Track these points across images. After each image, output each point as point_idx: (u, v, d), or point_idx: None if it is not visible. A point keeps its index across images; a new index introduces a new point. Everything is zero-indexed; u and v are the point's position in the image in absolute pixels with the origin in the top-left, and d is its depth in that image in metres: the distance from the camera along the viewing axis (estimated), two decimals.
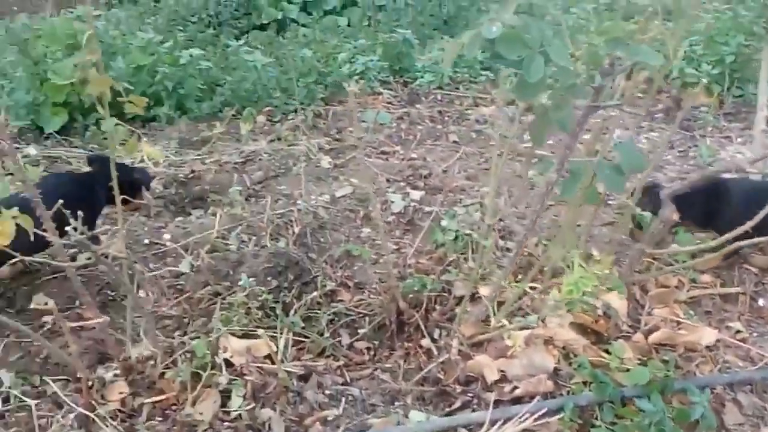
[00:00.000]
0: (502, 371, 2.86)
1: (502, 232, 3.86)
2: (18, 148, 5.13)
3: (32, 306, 3.40)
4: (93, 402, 2.73)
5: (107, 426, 2.65)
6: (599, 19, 2.01)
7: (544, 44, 1.77)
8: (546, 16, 1.79)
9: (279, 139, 5.22)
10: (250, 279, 3.40)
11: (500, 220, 3.95)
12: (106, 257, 2.59)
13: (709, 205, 3.45)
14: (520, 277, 3.42)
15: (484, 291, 3.14)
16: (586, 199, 2.68)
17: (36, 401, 2.79)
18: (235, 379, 2.85)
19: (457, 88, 6.45)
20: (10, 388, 2.90)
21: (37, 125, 5.46)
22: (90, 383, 2.83)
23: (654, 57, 1.75)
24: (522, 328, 2.93)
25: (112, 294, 3.47)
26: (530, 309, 3.09)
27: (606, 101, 2.07)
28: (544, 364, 2.84)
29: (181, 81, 5.66)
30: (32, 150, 5.04)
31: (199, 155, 4.97)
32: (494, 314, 3.04)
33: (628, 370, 2.80)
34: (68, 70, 5.36)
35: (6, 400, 2.85)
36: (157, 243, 3.84)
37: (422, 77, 6.57)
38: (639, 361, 2.88)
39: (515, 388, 2.78)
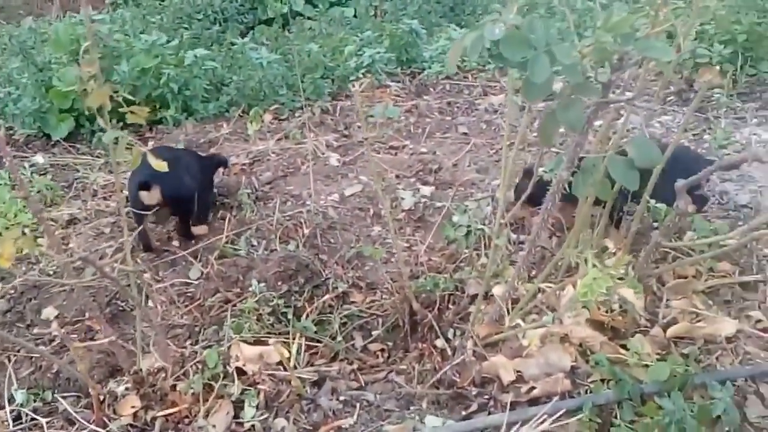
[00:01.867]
0: (518, 371, 2.80)
1: (515, 225, 3.78)
2: (25, 156, 5.12)
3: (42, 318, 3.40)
4: (104, 418, 2.70)
5: None
6: (606, 12, 1.94)
7: (550, 43, 1.70)
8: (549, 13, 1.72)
9: (287, 137, 5.16)
10: (261, 284, 3.37)
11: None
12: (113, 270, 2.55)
13: None
14: (533, 273, 3.37)
15: (497, 290, 3.08)
16: (599, 194, 2.61)
17: (47, 419, 2.77)
18: (247, 389, 2.82)
19: (466, 78, 6.34)
20: (21, 405, 2.88)
21: (44, 132, 5.43)
22: (101, 398, 2.80)
23: (665, 52, 1.69)
24: (537, 327, 2.88)
25: (122, 304, 3.44)
26: (545, 306, 3.03)
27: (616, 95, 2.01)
28: (560, 363, 2.78)
29: (186, 82, 5.61)
30: (39, 158, 5.01)
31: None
32: (508, 313, 2.99)
33: (647, 365, 2.73)
34: (73, 76, 5.33)
35: (17, 418, 2.84)
36: (166, 250, 3.80)
37: (430, 68, 6.48)
38: (658, 356, 2.81)
39: (532, 388, 2.72)
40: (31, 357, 3.17)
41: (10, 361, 3.15)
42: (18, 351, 3.21)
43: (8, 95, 5.51)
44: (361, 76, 6.28)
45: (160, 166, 2.61)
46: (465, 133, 5.15)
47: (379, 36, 6.88)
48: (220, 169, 4.36)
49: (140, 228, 3.56)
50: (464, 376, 2.87)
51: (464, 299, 3.29)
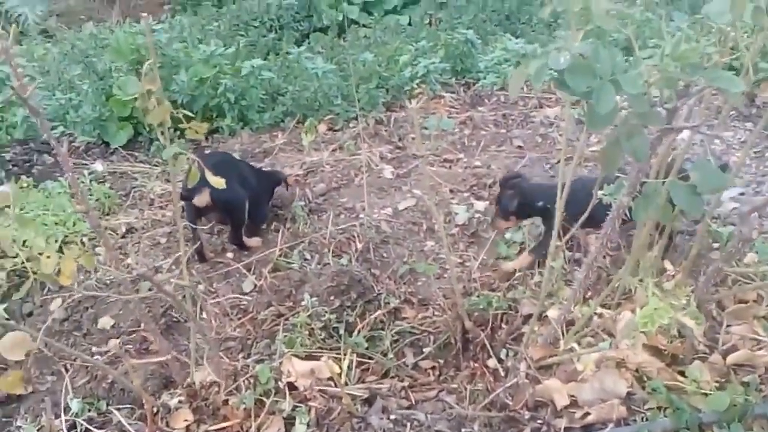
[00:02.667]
0: (572, 396, 2.76)
1: (570, 243, 3.73)
2: (84, 164, 5.21)
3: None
4: (157, 431, 2.72)
5: None
6: (674, 40, 1.89)
7: (615, 73, 1.67)
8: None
9: (341, 148, 5.17)
10: (313, 299, 3.37)
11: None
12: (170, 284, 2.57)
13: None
14: (589, 294, 3.31)
15: (552, 312, 3.03)
16: (660, 218, 2.56)
17: (101, 430, 2.80)
18: (298, 406, 2.82)
19: (521, 89, 6.28)
20: (77, 415, 2.92)
21: (103, 140, 5.53)
22: (155, 410, 2.83)
23: (734, 83, 1.64)
24: (593, 351, 2.83)
25: (176, 315, 3.47)
26: (601, 330, 2.97)
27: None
28: (616, 389, 2.73)
29: (243, 92, 5.65)
30: (99, 166, 5.09)
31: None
32: (563, 336, 2.94)
33: (705, 394, 2.66)
34: (133, 86, 5.41)
35: (72, 427, 2.88)
36: (220, 262, 3.83)
37: (485, 78, 6.43)
38: (717, 384, 2.74)
39: (587, 414, 2.67)
40: (87, 367, 3.21)
41: (66, 370, 3.20)
42: (74, 360, 3.26)
43: (69, 101, 5.63)
44: (415, 86, 6.26)
45: (218, 183, 2.64)
46: (520, 147, 5.10)
47: (434, 45, 6.85)
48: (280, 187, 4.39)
49: (194, 235, 3.61)
50: (517, 398, 2.83)
51: (517, 319, 3.25)
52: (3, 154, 5.29)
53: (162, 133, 2.64)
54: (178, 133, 5.43)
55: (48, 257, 2.03)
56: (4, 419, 3.03)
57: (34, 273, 2.12)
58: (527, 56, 6.52)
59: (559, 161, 4.56)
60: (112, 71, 5.62)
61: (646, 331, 2.15)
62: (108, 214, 4.43)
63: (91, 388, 3.08)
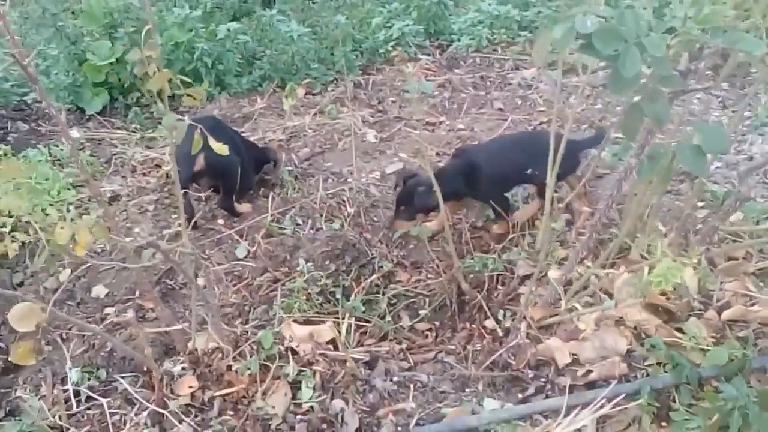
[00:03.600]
0: (574, 354, 2.81)
1: (558, 203, 3.76)
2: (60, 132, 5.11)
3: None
4: (164, 398, 2.72)
5: (181, 423, 2.64)
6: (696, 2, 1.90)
7: (640, 36, 1.68)
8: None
9: (322, 112, 5.14)
10: (308, 264, 3.38)
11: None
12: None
13: (466, 176, 3.58)
14: (584, 254, 3.36)
15: (553, 273, 3.07)
16: (659, 178, 2.61)
17: (106, 399, 2.79)
18: (303, 370, 2.83)
19: (495, 50, 6.28)
20: (77, 384, 2.91)
21: (78, 106, 5.42)
22: (160, 378, 2.82)
23: (756, 45, 1.67)
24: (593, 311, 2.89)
25: (171, 283, 3.46)
26: (599, 289, 3.02)
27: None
28: (616, 346, 2.79)
29: (219, 56, 5.58)
30: (75, 133, 5.00)
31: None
32: (563, 296, 2.98)
33: (703, 349, 2.73)
34: (107, 50, 5.31)
35: (76, 395, 2.86)
36: (212, 229, 3.81)
37: (459, 40, 6.41)
38: (713, 340, 2.81)
39: (589, 371, 2.73)
40: (83, 335, 3.19)
41: (63, 339, 3.18)
42: (70, 329, 3.24)
43: (36, 67, 5.50)
44: (390, 48, 6.23)
45: (221, 149, 2.62)
46: (501, 109, 5.12)
47: (407, 7, 6.80)
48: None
49: (185, 201, 3.58)
50: (519, 358, 2.88)
51: (514, 280, 3.28)
52: None
53: (162, 100, 2.60)
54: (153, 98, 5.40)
55: (62, 228, 2.01)
56: (3, 390, 3.00)
57: (47, 242, 2.10)
58: (501, 17, 6.50)
59: (541, 123, 4.63)
60: (84, 36, 5.50)
61: (659, 287, 2.18)
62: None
63: (89, 357, 3.06)
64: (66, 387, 2.93)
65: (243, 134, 4.71)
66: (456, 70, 5.95)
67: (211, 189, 3.95)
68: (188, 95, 2.73)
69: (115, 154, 4.72)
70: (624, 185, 2.39)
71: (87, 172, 2.50)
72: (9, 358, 3.02)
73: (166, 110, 2.61)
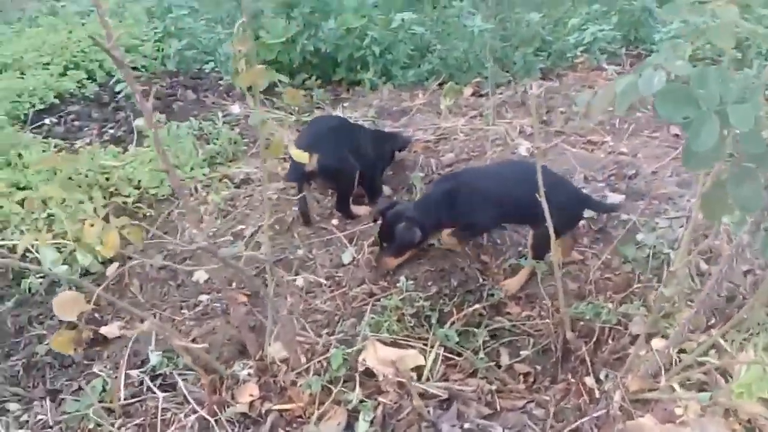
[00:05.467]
0: None
1: (708, 254, 3.31)
2: (224, 104, 5.20)
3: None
4: (216, 407, 2.63)
5: None
6: None
7: (725, 102, 1.33)
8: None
9: (481, 116, 4.86)
10: (409, 282, 3.19)
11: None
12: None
13: (451, 204, 3.23)
14: (714, 320, 2.92)
15: (657, 343, 2.68)
16: None
17: (164, 394, 2.74)
18: (365, 400, 2.64)
19: (695, 66, 5.67)
20: (154, 369, 2.89)
21: None
22: (222, 380, 2.75)
23: None
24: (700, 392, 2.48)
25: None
26: (714, 369, 2.59)
27: None
28: None
29: (389, 46, 5.45)
30: (236, 108, 5.06)
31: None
32: (670, 366, 2.58)
33: None
34: (280, 29, 5.32)
35: (139, 383, 2.85)
36: (324, 228, 3.68)
37: (658, 52, 5.86)
38: None
39: None
40: (174, 319, 3.19)
41: (155, 317, 3.18)
42: (164, 310, 3.24)
43: (223, 39, 5.64)
44: (578, 54, 5.84)
45: (302, 156, 2.49)
46: (676, 135, 4.58)
47: (607, 12, 6.34)
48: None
49: (300, 196, 3.51)
50: (604, 431, 2.53)
51: (625, 337, 2.91)
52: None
53: (253, 97, 2.50)
54: (319, 81, 5.37)
55: (92, 225, 1.93)
56: (85, 362, 3.04)
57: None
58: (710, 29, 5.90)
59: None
60: (262, 12, 5.55)
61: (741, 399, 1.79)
62: (231, 161, 4.38)
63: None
64: (144, 368, 2.93)
65: (396, 129, 4.57)
66: None
67: (330, 189, 3.84)
68: (287, 94, 2.66)
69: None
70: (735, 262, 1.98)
71: (168, 161, 2.42)
72: (99, 330, 3.18)
73: (256, 106, 2.53)
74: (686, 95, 1.33)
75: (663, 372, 2.51)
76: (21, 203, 3.54)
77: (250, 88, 2.47)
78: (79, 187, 3.65)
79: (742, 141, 1.38)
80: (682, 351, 2.65)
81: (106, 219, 1.97)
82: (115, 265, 2.24)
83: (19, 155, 3.93)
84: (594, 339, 2.98)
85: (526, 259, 3.37)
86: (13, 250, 3.27)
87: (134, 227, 2.03)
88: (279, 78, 2.53)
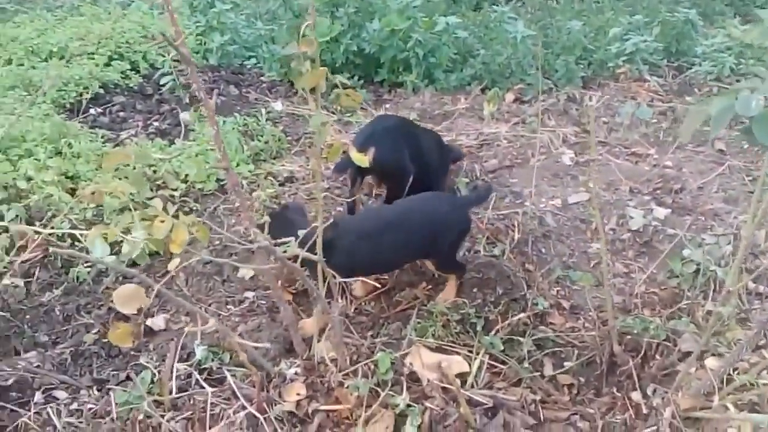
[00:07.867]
0: None
1: (754, 272, 3.28)
2: (267, 101, 5.22)
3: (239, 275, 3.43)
4: (265, 405, 2.64)
5: None
6: None
7: None
8: None
9: (524, 123, 4.86)
10: None
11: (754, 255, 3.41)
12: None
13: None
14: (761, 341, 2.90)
15: (711, 362, 2.66)
16: None
17: (213, 389, 2.76)
18: (412, 405, 2.64)
19: (739, 81, 5.64)
20: (199, 363, 2.90)
21: (289, 79, 5.51)
22: (269, 378, 2.76)
23: None
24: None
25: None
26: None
27: None
28: None
29: (432, 49, 5.45)
30: (279, 105, 5.08)
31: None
32: (723, 386, 2.57)
33: None
34: (325, 28, 5.34)
35: (187, 376, 2.86)
36: None
37: (700, 65, 5.84)
38: None
39: None
40: (220, 314, 3.20)
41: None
42: (210, 305, 3.26)
43: (265, 34, 5.67)
44: (620, 63, 5.81)
45: (361, 159, 2.50)
46: (721, 150, 4.56)
47: (650, 22, 6.31)
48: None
49: (351, 192, 3.51)
50: None
51: (674, 353, 2.89)
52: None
53: (315, 99, 2.52)
54: (362, 81, 5.36)
55: (162, 221, 1.95)
56: (132, 353, 3.07)
57: None
58: (753, 45, 5.88)
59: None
60: (307, 10, 5.56)
61: None
62: (275, 158, 4.40)
63: (218, 337, 3.05)
64: (190, 362, 2.94)
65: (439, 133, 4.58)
66: (687, 97, 5.40)
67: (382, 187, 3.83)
68: (347, 96, 2.66)
69: (306, 133, 4.73)
70: None
71: (228, 159, 2.44)
72: (146, 322, 3.20)
73: (317, 108, 2.53)
74: None
75: (716, 391, 2.49)
76: (71, 192, 3.58)
77: (312, 90, 2.47)
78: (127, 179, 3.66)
79: None
80: (735, 370, 2.64)
81: (175, 216, 1.99)
82: (176, 260, 2.25)
83: (69, 144, 3.96)
84: (641, 354, 2.96)
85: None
86: (61, 238, 3.32)
87: (201, 225, 2.04)
88: (340, 80, 2.51)
